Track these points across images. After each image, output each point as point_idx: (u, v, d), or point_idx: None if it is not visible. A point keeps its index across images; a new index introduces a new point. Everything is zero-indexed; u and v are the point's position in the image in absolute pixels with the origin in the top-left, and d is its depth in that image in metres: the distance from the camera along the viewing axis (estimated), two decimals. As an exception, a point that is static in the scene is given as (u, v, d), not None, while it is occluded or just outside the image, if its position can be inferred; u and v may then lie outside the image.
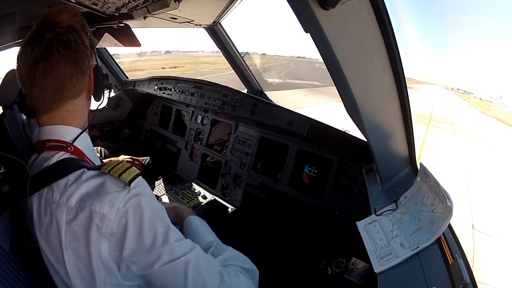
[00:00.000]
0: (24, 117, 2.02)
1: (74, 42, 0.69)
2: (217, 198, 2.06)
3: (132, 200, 0.63)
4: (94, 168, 0.69)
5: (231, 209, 1.96)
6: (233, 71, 2.27)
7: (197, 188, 2.17)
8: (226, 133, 2.16)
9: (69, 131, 0.74)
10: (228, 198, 2.04)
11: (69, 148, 0.72)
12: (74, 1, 1.13)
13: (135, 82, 2.65)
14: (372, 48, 0.78)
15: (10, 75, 1.89)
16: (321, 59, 0.69)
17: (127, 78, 2.77)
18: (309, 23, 0.59)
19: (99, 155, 2.06)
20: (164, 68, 19.85)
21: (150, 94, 2.60)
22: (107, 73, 0.84)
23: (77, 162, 0.70)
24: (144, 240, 0.63)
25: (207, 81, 2.20)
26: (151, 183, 2.14)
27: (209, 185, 2.16)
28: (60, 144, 0.72)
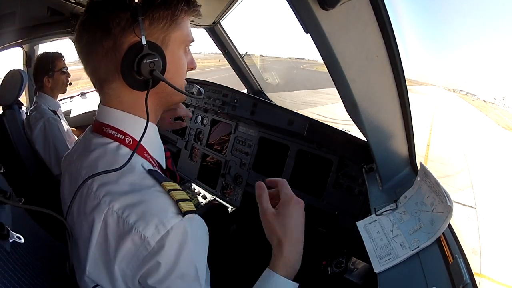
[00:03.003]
0: (24, 117, 2.02)
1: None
2: (217, 198, 2.06)
3: (179, 234, 0.54)
4: (153, 175, 0.58)
5: (231, 209, 1.96)
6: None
7: (197, 188, 2.17)
8: (226, 133, 2.16)
9: (126, 119, 0.62)
10: (228, 198, 2.04)
11: (127, 141, 0.60)
12: (74, 1, 1.13)
13: None
14: (372, 48, 0.78)
15: (10, 75, 1.89)
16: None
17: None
18: (309, 23, 0.60)
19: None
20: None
21: None
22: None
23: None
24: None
25: (207, 81, 2.20)
26: None
27: (209, 185, 2.16)
28: (117, 134, 0.61)
